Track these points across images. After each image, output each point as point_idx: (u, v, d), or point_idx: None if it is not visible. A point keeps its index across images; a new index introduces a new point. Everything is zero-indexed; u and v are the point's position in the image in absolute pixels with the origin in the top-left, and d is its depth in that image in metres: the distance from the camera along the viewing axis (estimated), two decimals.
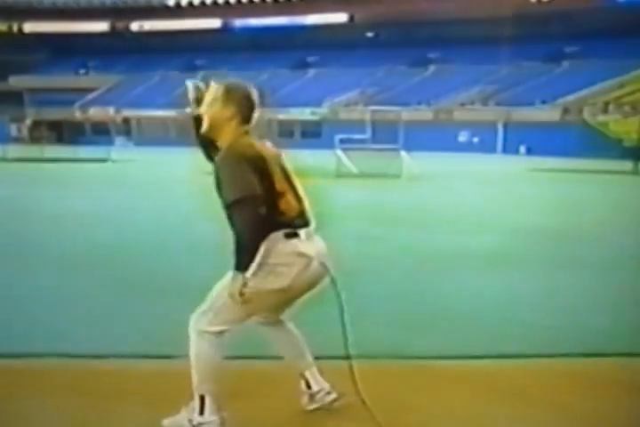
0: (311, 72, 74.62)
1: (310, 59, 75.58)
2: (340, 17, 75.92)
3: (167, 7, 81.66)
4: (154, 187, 19.59)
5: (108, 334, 5.28)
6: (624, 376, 4.58)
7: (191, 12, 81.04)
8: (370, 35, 73.52)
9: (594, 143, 46.49)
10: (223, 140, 3.60)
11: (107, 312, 5.92)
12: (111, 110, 73.23)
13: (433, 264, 8.32)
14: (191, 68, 79.46)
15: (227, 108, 3.61)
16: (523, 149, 53.77)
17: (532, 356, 4.92)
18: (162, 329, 5.24)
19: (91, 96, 78.11)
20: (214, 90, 3.69)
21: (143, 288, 6.74)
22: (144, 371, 4.52)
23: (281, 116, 65.35)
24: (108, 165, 31.48)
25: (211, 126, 3.63)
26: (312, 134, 61.12)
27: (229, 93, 3.64)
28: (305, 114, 65.05)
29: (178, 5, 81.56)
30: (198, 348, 3.56)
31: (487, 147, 55.40)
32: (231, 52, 75.72)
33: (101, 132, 68.93)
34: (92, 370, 4.50)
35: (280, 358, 3.89)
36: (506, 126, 56.72)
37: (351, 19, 75.48)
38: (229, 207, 3.46)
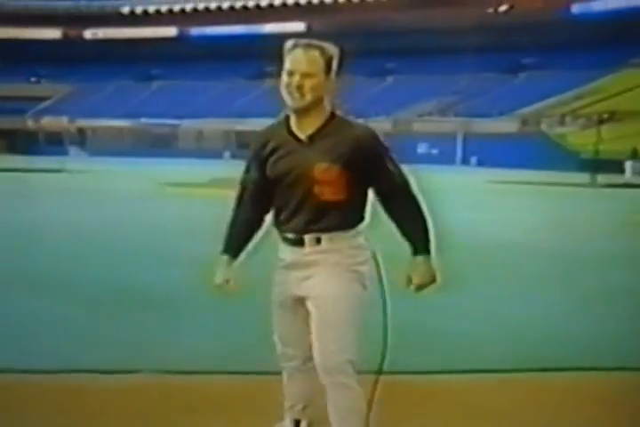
0: (268, 82, 74.70)
1: (268, 69, 75.67)
2: (298, 26, 76.12)
3: (122, 15, 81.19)
4: (111, 198, 19.47)
5: (67, 348, 5.24)
6: (598, 391, 4.63)
7: (146, 20, 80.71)
8: None
9: (552, 155, 47.08)
10: (317, 116, 3.06)
11: (60, 325, 5.88)
12: (65, 120, 72.61)
13: None
14: (147, 78, 79.19)
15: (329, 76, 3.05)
16: (474, 160, 54.25)
17: (499, 371, 4.96)
18: (121, 343, 5.24)
19: (43, 105, 77.35)
20: (312, 56, 3.03)
21: (98, 300, 6.71)
22: (102, 387, 4.49)
23: (238, 127, 65.24)
24: (62, 175, 31.18)
25: (315, 99, 3.03)
26: None
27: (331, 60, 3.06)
28: (262, 125, 64.60)
29: (132, 13, 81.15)
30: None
31: (446, 158, 55.84)
32: (188, 62, 75.51)
33: (55, 142, 68.31)
34: (50, 386, 4.45)
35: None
36: (465, 138, 57.27)
37: (309, 28, 75.70)
38: (402, 188, 3.10)
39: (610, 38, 61.33)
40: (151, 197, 19.80)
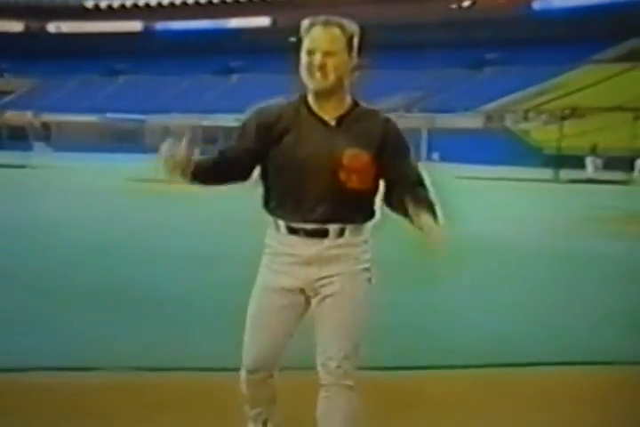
0: (234, 77, 74.43)
1: (233, 64, 75.40)
2: (263, 21, 75.92)
3: (86, 8, 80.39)
4: (76, 194, 19.30)
5: (37, 345, 5.20)
6: (566, 386, 4.69)
7: (111, 14, 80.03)
8: (292, 39, 73.56)
9: (516, 151, 47.44)
10: (340, 99, 2.89)
11: (27, 322, 5.84)
12: (29, 115, 71.82)
13: None
14: (112, 73, 78.55)
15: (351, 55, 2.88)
16: (436, 156, 54.44)
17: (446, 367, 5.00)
18: (92, 340, 5.22)
19: (6, 99, 76.45)
20: (332, 33, 2.84)
21: (63, 296, 6.66)
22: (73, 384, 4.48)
23: (205, 123, 65.10)
24: (26, 171, 30.86)
25: (337, 79, 2.84)
26: None
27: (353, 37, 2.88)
28: (229, 120, 64.73)
29: (97, 7, 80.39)
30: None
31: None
32: (153, 57, 75.03)
33: (19, 138, 67.50)
34: (19, 384, 4.41)
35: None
36: (430, 134, 57.51)
37: (274, 23, 75.51)
38: (420, 183, 2.96)
39: (571, 35, 61.84)
40: (117, 193, 19.68)
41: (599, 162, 40.95)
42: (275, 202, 2.93)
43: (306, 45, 2.83)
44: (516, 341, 5.67)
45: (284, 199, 2.90)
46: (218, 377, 4.43)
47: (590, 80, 56.37)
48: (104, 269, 8.30)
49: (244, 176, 2.98)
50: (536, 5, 66.91)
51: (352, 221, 2.88)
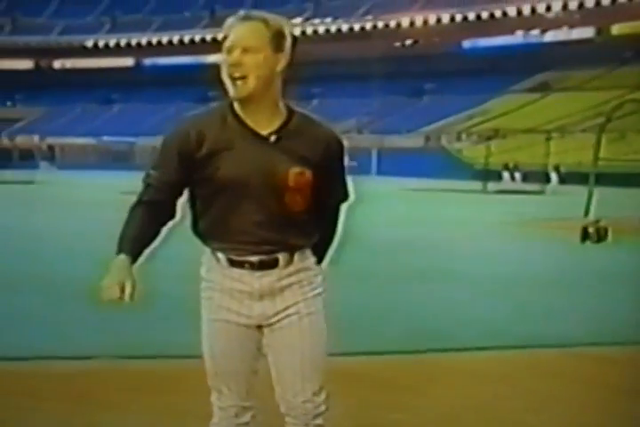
0: (212, 105, 74.16)
1: (211, 94, 75.16)
2: None
3: (86, 48, 79.95)
4: (77, 206, 19.05)
5: (29, 337, 5.08)
6: (498, 369, 4.66)
7: (107, 51, 79.56)
8: None
9: (451, 166, 47.72)
10: (272, 109, 2.15)
11: (23, 316, 5.72)
12: (36, 138, 70.86)
13: None
14: (108, 102, 77.96)
15: (278, 53, 2.12)
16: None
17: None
18: (78, 332, 5.12)
19: (17, 126, 75.51)
20: (253, 27, 2.09)
21: (59, 295, 6.53)
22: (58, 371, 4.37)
23: None
24: (33, 186, 30.44)
25: (260, 84, 2.10)
26: None
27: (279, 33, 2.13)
28: None
29: (95, 46, 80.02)
30: None
31: (363, 170, 56.06)
32: (142, 88, 74.59)
33: (27, 158, 66.54)
34: (10, 371, 4.27)
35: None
36: (379, 152, 57.64)
37: None
38: (338, 205, 2.34)
39: (494, 69, 62.72)
40: (112, 205, 19.44)
41: (519, 175, 41.39)
42: (208, 232, 2.18)
43: (225, 44, 2.11)
44: (452, 329, 5.65)
45: (220, 229, 2.15)
46: (191, 363, 4.36)
47: (510, 107, 56.99)
48: (100, 272, 8.16)
49: (175, 214, 2.23)
50: (465, 44, 67.66)
51: (300, 248, 2.18)
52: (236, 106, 2.15)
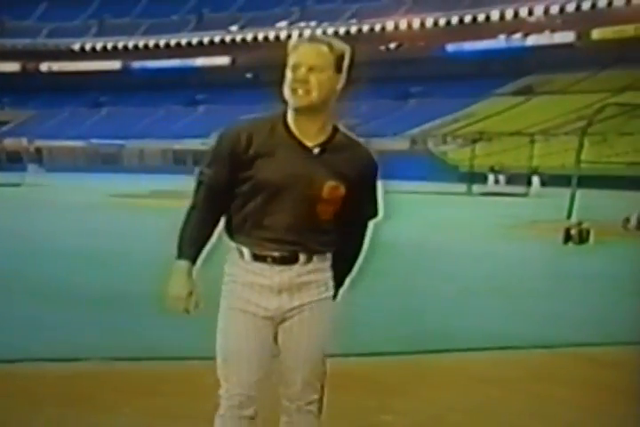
0: (200, 108, 74.06)
1: (199, 97, 75.06)
2: (224, 60, 75.98)
3: (73, 51, 79.54)
4: (65, 208, 18.95)
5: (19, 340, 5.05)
6: (474, 368, 4.68)
7: (94, 55, 79.18)
8: (249, 75, 73.50)
9: (436, 169, 47.85)
10: (321, 124, 2.29)
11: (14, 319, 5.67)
12: (24, 141, 70.49)
13: None
14: (96, 105, 77.63)
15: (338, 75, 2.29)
16: None
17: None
18: (68, 334, 5.09)
19: (5, 128, 75.05)
20: (319, 48, 2.26)
21: (49, 297, 6.49)
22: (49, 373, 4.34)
23: (175, 147, 64.92)
24: (22, 188, 30.25)
25: (320, 98, 2.24)
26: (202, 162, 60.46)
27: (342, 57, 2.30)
28: (196, 144, 64.47)
29: (82, 49, 79.60)
30: None
31: None
32: (131, 91, 74.28)
33: (16, 160, 66.16)
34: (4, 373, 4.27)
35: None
36: None
37: (233, 62, 75.50)
38: (365, 222, 2.46)
39: (478, 72, 63.02)
40: (101, 207, 19.38)
41: (503, 178, 41.53)
42: (239, 227, 2.32)
43: (290, 61, 2.24)
44: (436, 330, 5.65)
45: (250, 225, 2.29)
46: (181, 365, 4.35)
47: (494, 110, 57.19)
48: (88, 273, 8.14)
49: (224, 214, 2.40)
50: (450, 48, 67.81)
51: (318, 252, 2.32)
52: (289, 116, 2.29)
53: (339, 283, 2.43)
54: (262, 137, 2.28)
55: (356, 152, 2.34)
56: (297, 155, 2.26)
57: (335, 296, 2.43)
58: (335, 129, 2.32)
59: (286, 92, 2.26)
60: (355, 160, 2.32)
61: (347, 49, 2.30)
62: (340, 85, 2.29)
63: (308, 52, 2.24)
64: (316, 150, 2.28)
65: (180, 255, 2.29)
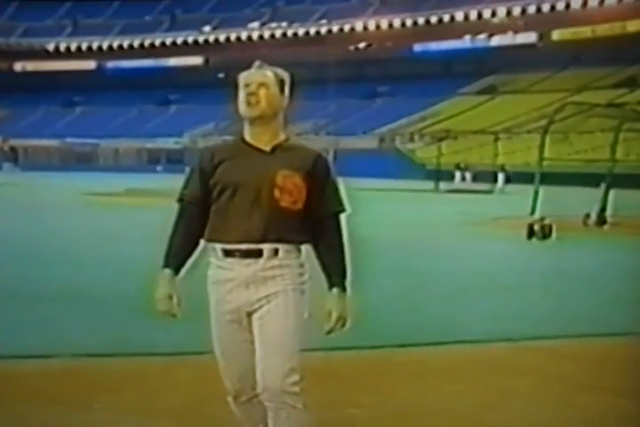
0: (173, 108, 73.59)
1: (172, 96, 74.59)
2: (197, 60, 75.54)
3: (47, 51, 78.53)
4: (40, 207, 18.72)
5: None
6: (444, 363, 4.69)
7: (69, 55, 78.29)
8: (221, 75, 73.17)
9: (404, 167, 48.00)
10: (273, 134, 2.61)
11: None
12: None
13: None
14: (70, 104, 76.78)
15: (283, 95, 2.65)
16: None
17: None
18: (42, 331, 5.03)
19: None
20: (266, 72, 2.64)
21: (23, 295, 6.42)
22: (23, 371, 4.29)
23: (149, 146, 64.43)
24: None
25: (269, 108, 2.58)
26: (176, 161, 60.13)
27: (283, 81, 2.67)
28: (169, 143, 64.03)
29: (57, 49, 78.64)
30: None
31: None
32: (105, 90, 73.58)
33: None
34: None
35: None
36: (335, 153, 57.81)
37: (206, 62, 75.08)
38: (336, 216, 2.63)
39: (444, 72, 63.41)
40: (75, 206, 19.18)
41: (469, 175, 41.79)
42: (212, 226, 2.55)
43: (242, 83, 2.58)
44: (398, 325, 5.67)
45: (220, 221, 2.52)
46: (150, 360, 4.34)
47: (460, 109, 57.54)
48: (59, 271, 8.05)
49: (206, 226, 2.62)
50: (416, 48, 68.06)
51: (285, 242, 2.50)
52: (245, 131, 2.60)
53: (339, 274, 2.60)
54: (224, 150, 2.64)
55: (305, 151, 2.63)
56: (253, 156, 2.56)
57: (344, 288, 2.59)
58: (287, 139, 2.64)
59: (241, 107, 2.57)
60: (305, 156, 2.60)
61: (287, 75, 2.67)
62: (284, 103, 2.64)
63: (257, 73, 2.60)
64: (268, 148, 2.57)
65: (165, 265, 2.57)
